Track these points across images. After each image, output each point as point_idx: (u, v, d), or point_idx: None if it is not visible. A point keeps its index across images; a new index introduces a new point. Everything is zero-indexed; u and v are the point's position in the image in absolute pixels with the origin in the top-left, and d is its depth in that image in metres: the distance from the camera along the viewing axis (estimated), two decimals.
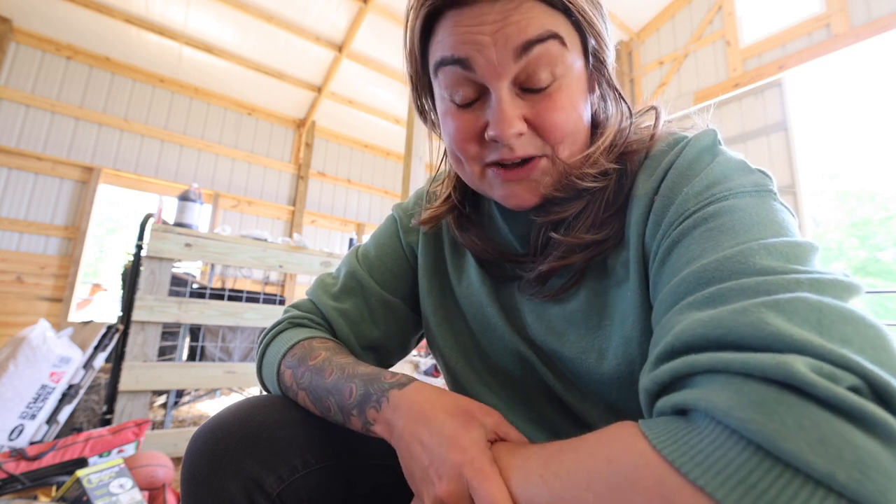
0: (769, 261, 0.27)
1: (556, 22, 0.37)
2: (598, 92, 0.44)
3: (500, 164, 0.40)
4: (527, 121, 0.38)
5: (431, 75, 0.41)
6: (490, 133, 0.38)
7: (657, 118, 0.44)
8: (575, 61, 0.39)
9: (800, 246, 0.28)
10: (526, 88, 0.38)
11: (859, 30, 3.22)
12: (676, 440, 0.22)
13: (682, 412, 0.24)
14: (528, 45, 0.36)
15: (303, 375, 0.44)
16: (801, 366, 0.20)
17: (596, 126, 0.44)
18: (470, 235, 0.49)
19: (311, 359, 0.45)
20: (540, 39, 0.36)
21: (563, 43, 0.37)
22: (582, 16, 0.38)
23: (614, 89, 0.44)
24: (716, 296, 0.27)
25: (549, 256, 0.43)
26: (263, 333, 0.52)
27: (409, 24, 0.41)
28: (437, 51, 0.39)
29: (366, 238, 0.61)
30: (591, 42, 0.40)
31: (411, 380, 0.39)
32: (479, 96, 0.39)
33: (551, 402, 0.46)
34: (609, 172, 0.41)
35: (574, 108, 0.39)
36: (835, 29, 3.35)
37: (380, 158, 6.07)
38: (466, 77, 0.38)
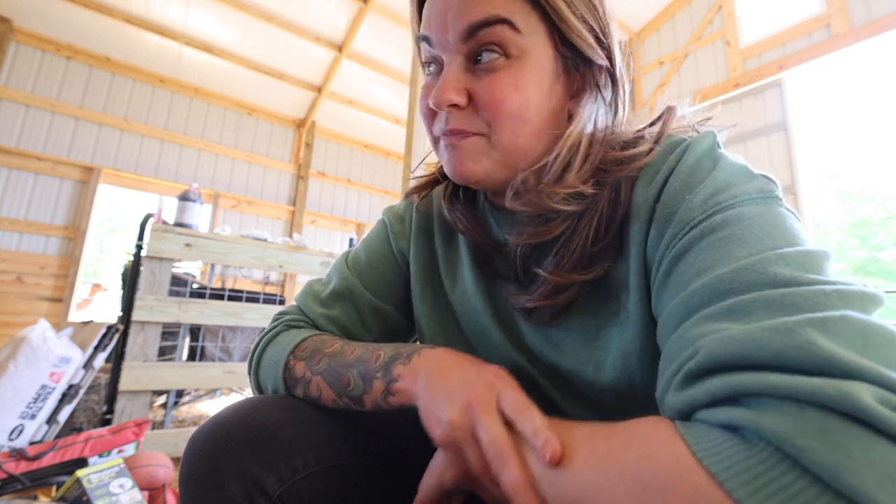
0: (788, 271, 0.26)
1: (510, 7, 0.38)
2: (587, 94, 0.41)
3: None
4: (471, 96, 0.39)
5: None
6: (429, 101, 0.40)
7: (666, 123, 0.41)
8: (533, 48, 0.39)
9: (814, 255, 0.28)
10: (477, 65, 0.39)
11: (859, 30, 3.22)
12: (720, 451, 0.21)
13: (725, 427, 0.23)
14: (472, 29, 0.38)
15: (319, 361, 0.44)
16: (865, 395, 0.19)
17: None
18: (457, 212, 0.49)
19: (327, 347, 0.46)
20: (486, 23, 0.37)
21: (514, 28, 0.38)
22: (548, 3, 0.38)
23: (595, 89, 0.41)
24: (738, 307, 0.26)
25: (535, 294, 0.41)
26: (258, 339, 0.52)
27: (412, 4, 0.45)
28: (420, 29, 0.43)
29: None
30: (560, 30, 0.39)
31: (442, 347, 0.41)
32: (441, 69, 0.42)
33: (549, 411, 0.45)
34: (584, 195, 0.38)
35: (517, 91, 0.38)
36: (835, 29, 3.35)
37: (380, 158, 6.07)
38: (431, 52, 0.42)
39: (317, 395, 0.44)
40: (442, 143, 0.42)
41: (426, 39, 0.41)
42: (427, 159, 0.57)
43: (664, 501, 0.21)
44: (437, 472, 0.34)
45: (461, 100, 0.39)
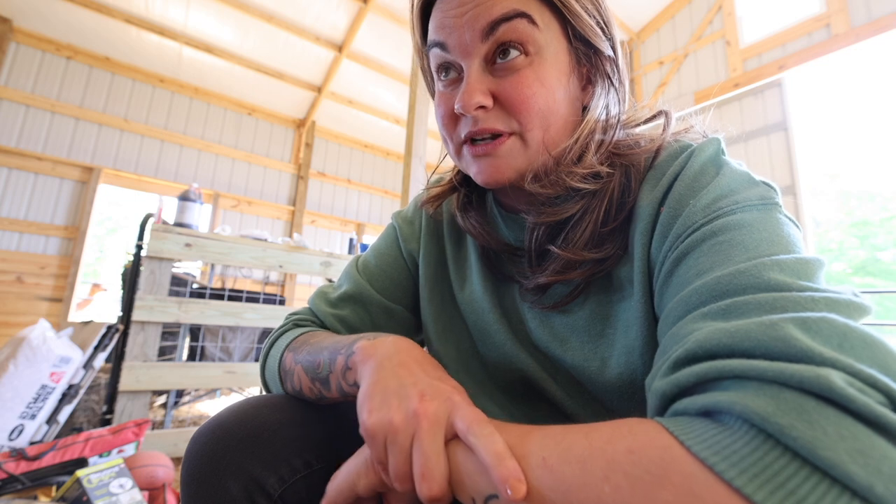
0: (782, 277, 0.27)
1: (526, 2, 0.39)
2: (599, 84, 0.43)
3: (472, 142, 0.42)
4: (495, 97, 0.40)
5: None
6: (455, 106, 0.40)
7: (666, 126, 0.43)
8: (550, 42, 0.40)
9: (808, 262, 0.29)
10: (497, 66, 0.40)
11: (859, 30, 3.23)
12: (706, 438, 0.22)
13: (704, 415, 0.24)
14: (493, 25, 0.38)
15: (302, 351, 0.45)
16: (837, 379, 0.20)
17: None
18: (471, 219, 0.49)
19: (313, 338, 0.46)
20: (505, 18, 0.38)
21: (532, 21, 0.39)
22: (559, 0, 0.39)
23: (606, 78, 0.43)
24: (732, 308, 0.27)
25: (547, 270, 0.42)
26: (268, 337, 0.53)
27: (412, 13, 0.44)
28: (428, 35, 0.43)
29: (366, 238, 0.61)
30: (572, 24, 0.40)
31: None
32: (459, 75, 0.42)
33: (551, 409, 0.46)
34: (601, 175, 0.40)
35: (543, 87, 0.39)
36: (835, 29, 3.35)
37: (380, 158, 6.07)
38: (446, 58, 0.42)
39: (298, 386, 0.45)
40: (469, 152, 0.42)
41: (440, 45, 0.41)
42: (436, 168, 0.57)
43: (656, 494, 0.21)
44: (352, 475, 0.34)
45: (488, 101, 0.40)
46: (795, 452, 0.20)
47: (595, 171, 0.40)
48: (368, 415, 0.31)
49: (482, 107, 0.40)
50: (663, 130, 0.42)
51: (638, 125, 0.46)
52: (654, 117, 0.45)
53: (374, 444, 0.31)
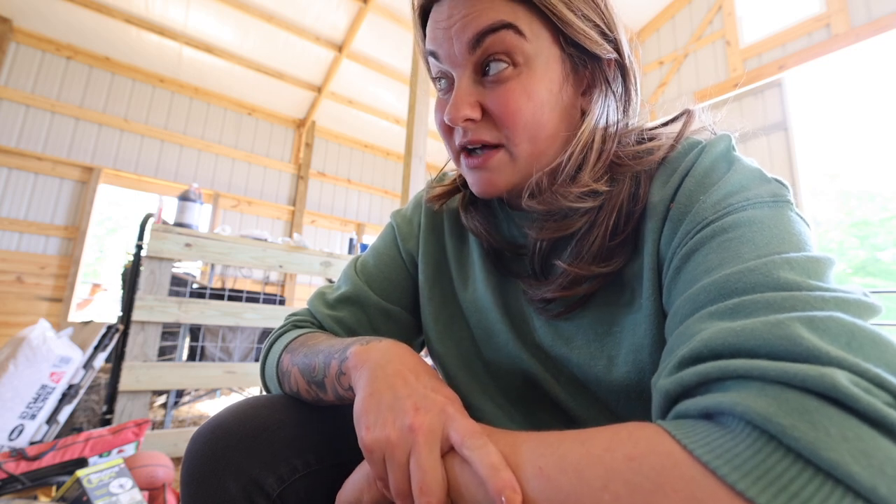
0: (792, 275, 0.27)
1: (514, 13, 0.38)
2: (598, 89, 0.42)
3: (467, 152, 0.42)
4: (485, 108, 0.40)
5: None
6: (444, 117, 0.41)
7: (685, 126, 0.41)
8: (540, 52, 0.39)
9: (819, 261, 0.28)
10: (486, 77, 0.40)
11: (859, 30, 3.23)
12: (709, 442, 0.21)
13: (707, 416, 0.24)
14: (479, 37, 0.38)
15: (299, 352, 0.45)
16: (842, 379, 0.20)
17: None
18: (474, 218, 0.49)
19: (310, 340, 0.46)
20: (491, 29, 0.38)
21: (518, 32, 0.38)
22: (543, 4, 0.38)
23: (604, 83, 0.41)
24: (740, 307, 0.26)
25: (553, 285, 0.42)
26: (268, 338, 0.53)
27: (413, 20, 0.45)
28: (425, 44, 0.43)
29: (366, 238, 0.61)
30: (564, 32, 0.39)
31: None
32: (453, 84, 0.42)
33: (554, 410, 0.45)
34: (599, 192, 0.39)
35: (531, 100, 0.38)
36: (835, 29, 3.35)
37: (380, 158, 6.07)
38: (440, 67, 0.42)
39: (296, 388, 0.45)
40: (465, 163, 0.43)
41: (434, 55, 0.42)
42: (442, 169, 0.58)
43: (657, 501, 0.21)
44: (356, 492, 0.34)
45: (475, 114, 0.40)
46: (798, 454, 0.19)
47: (591, 189, 0.39)
48: (366, 432, 0.31)
49: (470, 119, 0.40)
50: (682, 128, 0.41)
51: (664, 125, 0.44)
52: (677, 118, 0.43)
53: (372, 460, 0.31)
